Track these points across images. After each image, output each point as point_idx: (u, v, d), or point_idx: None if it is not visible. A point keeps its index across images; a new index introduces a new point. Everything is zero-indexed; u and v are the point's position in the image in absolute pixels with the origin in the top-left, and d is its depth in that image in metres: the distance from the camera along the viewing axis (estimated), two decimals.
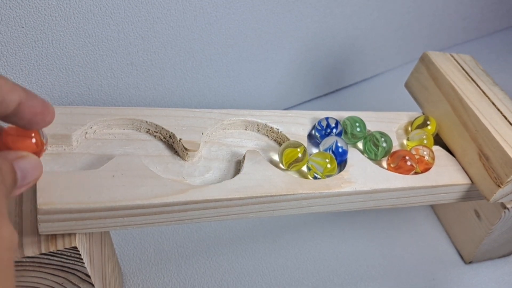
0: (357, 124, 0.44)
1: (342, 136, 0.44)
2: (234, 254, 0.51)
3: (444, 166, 0.45)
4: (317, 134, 0.44)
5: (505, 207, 0.47)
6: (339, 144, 0.42)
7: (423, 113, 0.51)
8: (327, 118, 0.44)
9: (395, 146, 0.46)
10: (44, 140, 0.30)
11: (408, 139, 0.47)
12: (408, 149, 0.45)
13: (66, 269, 0.33)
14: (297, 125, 0.44)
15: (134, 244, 0.50)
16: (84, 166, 0.35)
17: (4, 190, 0.24)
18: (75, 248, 0.32)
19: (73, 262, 0.33)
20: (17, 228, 0.32)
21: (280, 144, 0.43)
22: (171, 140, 0.39)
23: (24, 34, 0.41)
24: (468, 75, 0.49)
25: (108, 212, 0.32)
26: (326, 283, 0.51)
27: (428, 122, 0.48)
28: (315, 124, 0.44)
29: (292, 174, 0.40)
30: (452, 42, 0.83)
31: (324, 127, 0.44)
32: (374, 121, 0.47)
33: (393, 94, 0.70)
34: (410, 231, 0.57)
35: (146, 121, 0.39)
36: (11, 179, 0.25)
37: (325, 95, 0.71)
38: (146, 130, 0.39)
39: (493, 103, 0.47)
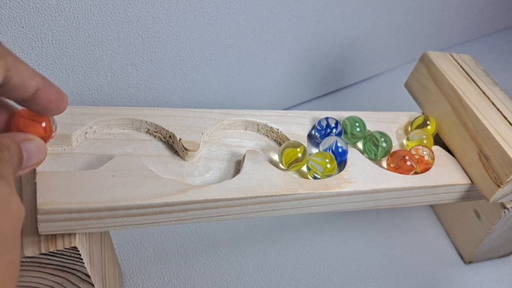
0: (357, 124, 0.44)
1: (342, 136, 0.44)
2: (234, 254, 0.51)
3: (444, 166, 0.45)
4: (317, 134, 0.44)
5: (505, 207, 0.47)
6: (339, 144, 0.42)
7: (423, 113, 0.51)
8: (327, 118, 0.44)
9: (395, 146, 0.46)
10: (53, 128, 0.31)
11: (408, 139, 0.47)
12: (408, 149, 0.45)
13: (66, 269, 0.34)
14: (297, 125, 0.44)
15: (134, 244, 0.50)
16: (84, 166, 0.35)
17: (12, 168, 0.25)
18: (75, 248, 0.32)
19: (73, 262, 0.33)
20: None
21: (280, 144, 0.43)
22: (171, 140, 0.39)
23: (24, 34, 0.41)
24: (468, 75, 0.49)
25: (108, 212, 0.32)
26: (326, 283, 0.51)
27: (428, 122, 0.48)
28: (315, 124, 0.44)
29: (292, 174, 0.40)
30: (452, 42, 0.83)
31: (324, 127, 0.44)
32: (374, 121, 0.47)
33: (393, 94, 0.70)
34: (410, 231, 0.57)
35: (146, 121, 0.39)
36: (18, 159, 0.26)
37: (325, 95, 0.71)
38: (146, 130, 0.39)
39: (493, 103, 0.47)
